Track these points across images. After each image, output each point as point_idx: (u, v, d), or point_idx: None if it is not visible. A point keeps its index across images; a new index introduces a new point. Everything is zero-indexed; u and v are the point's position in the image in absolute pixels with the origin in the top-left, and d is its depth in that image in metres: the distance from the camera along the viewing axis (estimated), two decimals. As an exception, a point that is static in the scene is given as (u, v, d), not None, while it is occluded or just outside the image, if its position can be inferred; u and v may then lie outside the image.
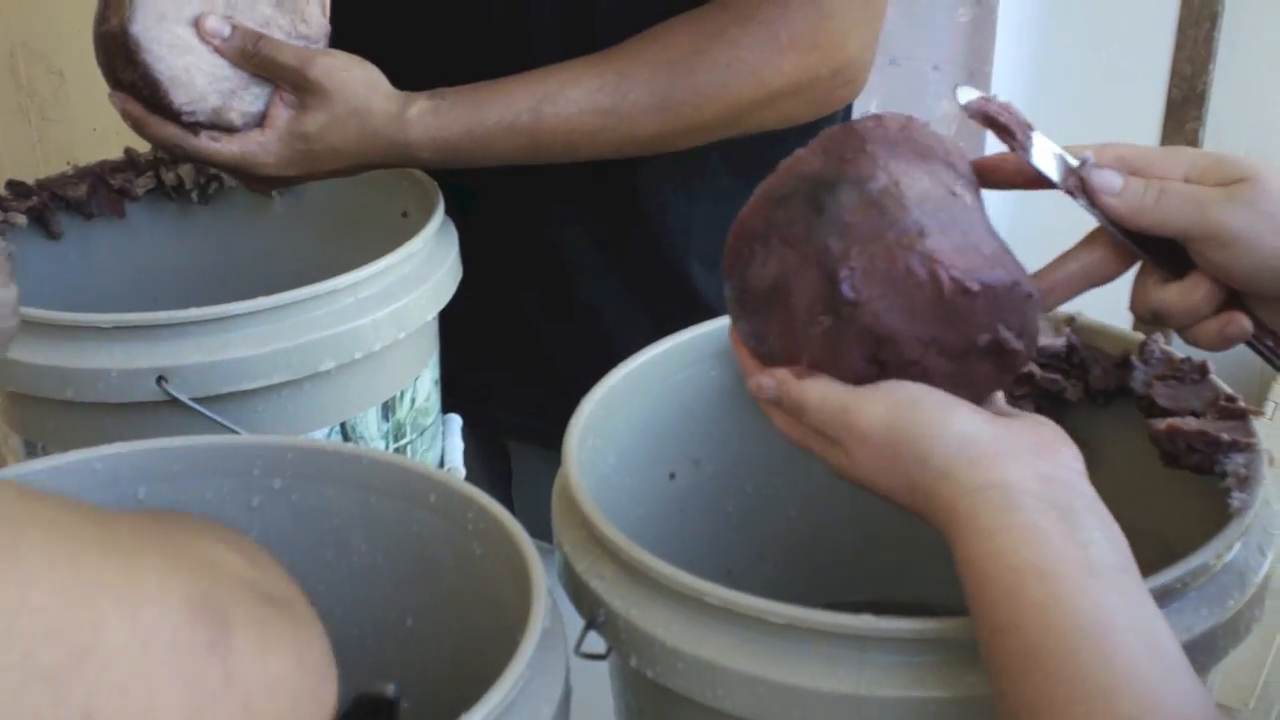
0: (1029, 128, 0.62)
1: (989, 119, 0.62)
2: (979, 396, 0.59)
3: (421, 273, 0.91)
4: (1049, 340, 0.73)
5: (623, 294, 1.06)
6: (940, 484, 0.53)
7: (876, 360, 0.57)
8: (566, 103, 0.90)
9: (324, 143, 0.89)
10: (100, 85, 0.89)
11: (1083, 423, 0.69)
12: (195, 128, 0.87)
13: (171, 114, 0.86)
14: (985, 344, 0.57)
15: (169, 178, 1.05)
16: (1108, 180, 0.60)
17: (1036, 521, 0.51)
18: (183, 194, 1.06)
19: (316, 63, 0.88)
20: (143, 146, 1.07)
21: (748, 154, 1.02)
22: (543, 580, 0.60)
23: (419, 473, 0.70)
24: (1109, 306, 0.72)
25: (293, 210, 1.07)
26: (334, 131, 0.88)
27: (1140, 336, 0.72)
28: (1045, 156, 0.62)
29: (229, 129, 0.88)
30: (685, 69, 0.90)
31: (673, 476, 0.79)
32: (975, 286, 0.56)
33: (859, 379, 0.58)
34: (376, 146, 0.89)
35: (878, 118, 0.59)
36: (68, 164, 1.08)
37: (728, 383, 0.79)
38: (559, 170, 1.00)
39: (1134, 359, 0.71)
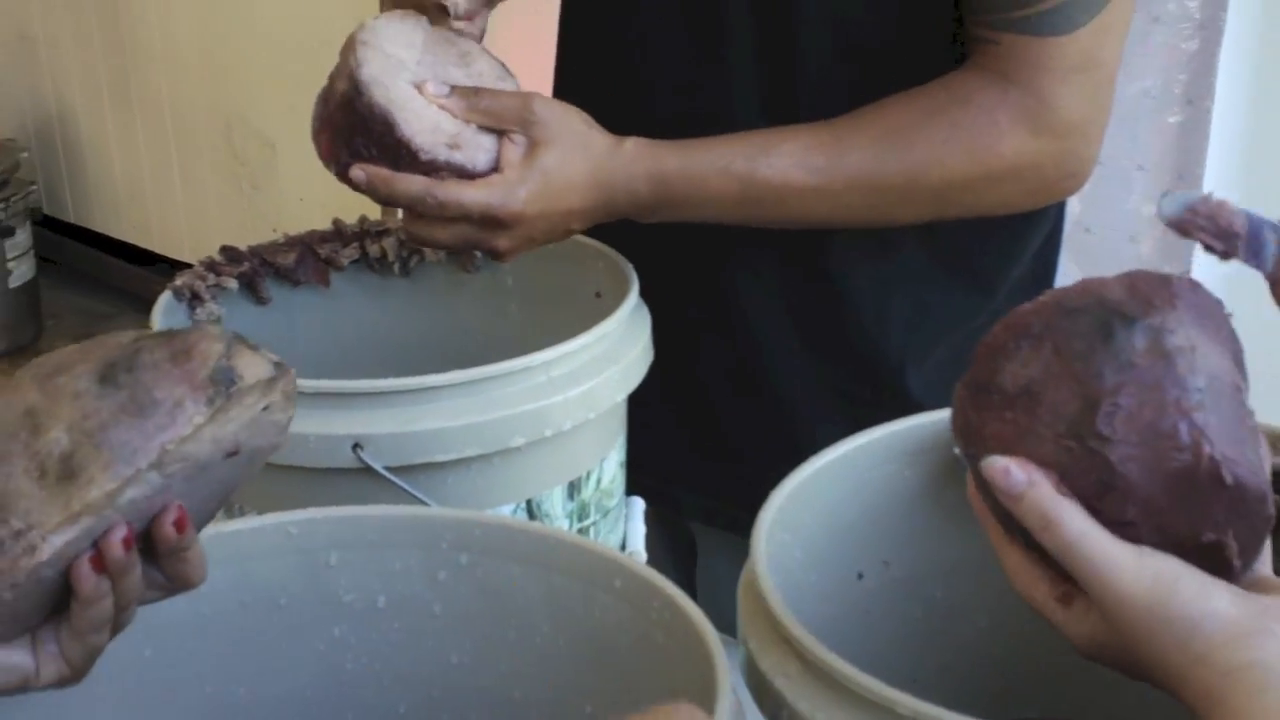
0: (1235, 236, 0.60)
1: (1188, 235, 0.60)
2: None
3: (613, 354, 0.92)
4: None
5: (813, 380, 1.04)
6: (1195, 667, 0.52)
7: (1093, 506, 0.55)
8: (781, 155, 0.91)
9: (561, 174, 0.90)
10: (308, 156, 0.92)
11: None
12: (438, 173, 0.88)
13: (409, 154, 0.87)
14: (1207, 543, 0.55)
15: (373, 249, 1.08)
16: None
17: None
18: (385, 265, 1.08)
19: (536, 99, 0.90)
20: (350, 217, 1.11)
21: (950, 242, 1.01)
22: (727, 676, 0.59)
23: (605, 556, 0.70)
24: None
25: (489, 287, 1.09)
26: (568, 164, 0.90)
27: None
28: (1257, 247, 0.59)
29: (459, 172, 0.88)
30: (903, 141, 0.90)
31: (860, 577, 0.77)
32: (1230, 479, 0.54)
33: None
34: (600, 179, 0.90)
35: (1193, 281, 0.57)
36: (274, 230, 1.12)
37: (922, 483, 0.77)
38: (751, 252, 1.00)
39: (1360, 484, 0.66)
